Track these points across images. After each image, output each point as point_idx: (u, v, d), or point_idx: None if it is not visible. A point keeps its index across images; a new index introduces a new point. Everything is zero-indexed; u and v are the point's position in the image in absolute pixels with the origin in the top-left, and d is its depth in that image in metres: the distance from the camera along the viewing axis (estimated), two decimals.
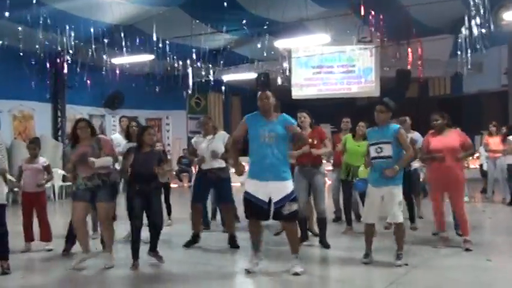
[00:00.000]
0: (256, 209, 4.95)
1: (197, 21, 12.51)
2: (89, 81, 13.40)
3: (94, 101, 15.19)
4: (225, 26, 13.28)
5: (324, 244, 6.13)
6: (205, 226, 7.23)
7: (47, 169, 6.41)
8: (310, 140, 5.93)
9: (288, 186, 4.93)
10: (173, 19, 12.04)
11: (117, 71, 13.71)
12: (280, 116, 5.02)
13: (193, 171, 11.83)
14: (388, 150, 5.21)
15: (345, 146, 7.07)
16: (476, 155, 11.60)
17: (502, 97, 14.86)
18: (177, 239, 6.61)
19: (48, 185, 8.17)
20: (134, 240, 5.36)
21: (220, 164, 6.34)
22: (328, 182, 9.82)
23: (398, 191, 5.25)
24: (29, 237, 6.28)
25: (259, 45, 13.91)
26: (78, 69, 12.93)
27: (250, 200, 4.97)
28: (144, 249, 5.49)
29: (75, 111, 14.33)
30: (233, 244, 6.25)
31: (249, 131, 5.05)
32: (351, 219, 7.18)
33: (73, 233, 5.74)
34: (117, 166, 5.94)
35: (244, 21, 12.83)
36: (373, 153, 5.29)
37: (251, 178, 5.00)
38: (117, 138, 7.88)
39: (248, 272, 5.03)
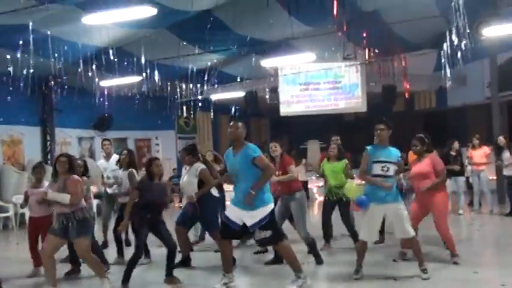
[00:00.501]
0: (229, 230, 5.11)
1: (184, 42, 12.64)
2: (77, 104, 13.45)
3: (83, 123, 15.22)
4: (211, 46, 13.43)
5: (318, 260, 6.26)
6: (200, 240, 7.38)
7: None
8: (277, 172, 6.05)
9: (258, 214, 4.98)
10: (160, 41, 12.17)
11: (106, 93, 13.79)
12: (244, 150, 5.07)
13: None
14: (392, 170, 5.41)
15: (323, 170, 7.19)
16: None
17: (485, 109, 15.13)
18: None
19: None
20: (132, 265, 5.46)
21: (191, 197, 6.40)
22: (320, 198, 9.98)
23: (402, 207, 5.40)
24: (37, 262, 6.28)
25: (246, 64, 14.09)
26: (66, 93, 12.99)
27: (224, 222, 5.16)
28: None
29: (64, 135, 14.36)
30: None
31: (227, 165, 5.36)
32: (329, 235, 7.25)
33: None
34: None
35: (230, 41, 13.01)
36: (378, 171, 5.40)
37: (232, 204, 5.21)
38: (102, 164, 8.01)
39: None
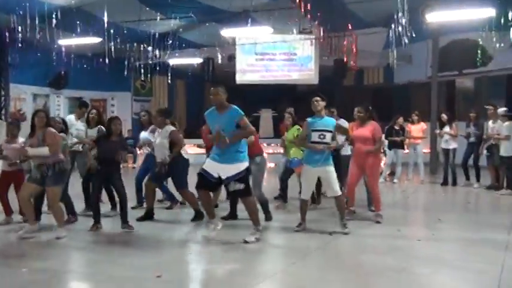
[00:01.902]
0: (205, 181, 5.71)
1: (147, 8, 12.85)
2: (34, 61, 13.50)
3: (39, 80, 15.24)
4: (172, 12, 13.69)
5: (268, 217, 6.93)
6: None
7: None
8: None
9: (236, 167, 5.62)
10: (122, 3, 12.35)
11: (63, 52, 13.84)
12: (230, 111, 5.64)
13: (138, 152, 12.24)
14: (328, 138, 6.15)
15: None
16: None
17: (428, 88, 16.17)
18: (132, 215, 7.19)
19: None
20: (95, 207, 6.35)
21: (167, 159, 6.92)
22: (271, 164, 10.70)
23: (333, 169, 6.17)
24: (8, 211, 6.78)
25: (205, 32, 14.43)
26: (23, 49, 12.98)
27: (201, 174, 5.73)
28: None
29: (19, 91, 14.38)
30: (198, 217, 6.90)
31: (209, 125, 5.84)
32: (286, 196, 8.03)
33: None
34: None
35: (191, 9, 13.32)
36: (315, 139, 6.12)
37: (210, 159, 5.76)
38: (71, 119, 8.36)
39: (206, 238, 5.76)
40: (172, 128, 7.09)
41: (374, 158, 6.91)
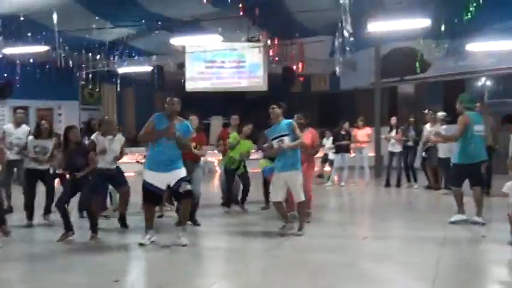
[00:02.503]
0: (154, 196, 5.93)
1: (96, 17, 12.81)
2: None
3: None
4: (121, 21, 13.70)
5: (194, 222, 7.09)
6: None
7: None
8: (193, 144, 6.93)
9: (181, 173, 5.92)
10: (70, 12, 12.25)
11: (8, 61, 13.58)
12: (184, 124, 5.97)
13: None
14: (287, 140, 6.32)
15: (237, 142, 8.12)
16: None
17: (372, 94, 16.88)
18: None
19: None
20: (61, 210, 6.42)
21: (114, 164, 7.22)
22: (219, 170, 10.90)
23: (298, 175, 6.37)
24: None
25: (154, 40, 14.49)
26: None
27: (149, 189, 5.89)
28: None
29: None
30: (123, 224, 7.08)
31: (156, 127, 5.90)
32: (230, 201, 8.30)
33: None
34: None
35: (140, 17, 13.37)
36: (276, 146, 6.34)
37: (152, 171, 5.89)
38: (9, 128, 8.34)
39: (142, 245, 5.89)
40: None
41: (310, 162, 7.26)
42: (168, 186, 5.90)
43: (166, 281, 4.66)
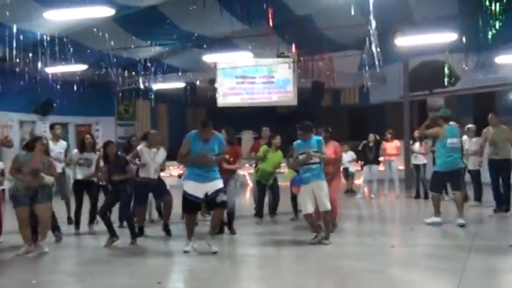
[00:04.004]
0: (192, 204, 6.26)
1: (133, 37, 13.39)
2: (20, 89, 13.87)
3: (25, 107, 15.59)
4: (156, 39, 14.25)
5: (232, 231, 7.47)
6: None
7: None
8: (227, 156, 7.23)
9: (218, 183, 6.28)
10: (108, 32, 12.84)
11: (49, 79, 14.24)
12: (217, 138, 6.32)
13: None
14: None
15: (265, 155, 8.40)
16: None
17: (401, 107, 17.00)
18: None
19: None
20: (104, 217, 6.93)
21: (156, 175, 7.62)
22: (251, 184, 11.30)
23: (323, 184, 6.64)
24: None
25: (187, 57, 14.98)
26: (10, 77, 13.38)
27: (188, 199, 6.23)
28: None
29: (6, 118, 14.71)
30: (167, 232, 7.46)
31: (190, 147, 6.26)
32: (262, 212, 8.62)
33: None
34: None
35: (174, 36, 13.90)
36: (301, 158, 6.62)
37: (192, 181, 6.24)
38: (49, 144, 8.84)
39: (186, 252, 6.23)
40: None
41: (336, 174, 7.55)
42: (206, 195, 6.24)
43: (203, 283, 4.98)
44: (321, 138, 6.86)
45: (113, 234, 6.77)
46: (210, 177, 6.22)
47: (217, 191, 6.22)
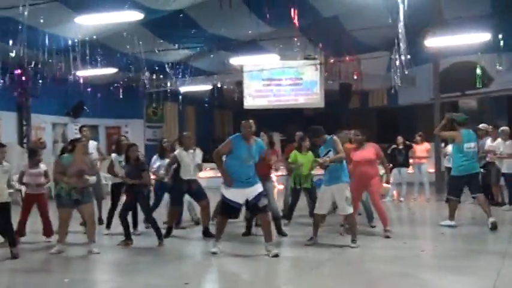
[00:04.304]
0: (231, 209, 6.26)
1: (161, 40, 13.53)
2: (53, 92, 14.19)
3: (58, 110, 15.94)
4: (183, 43, 14.38)
5: (282, 233, 7.44)
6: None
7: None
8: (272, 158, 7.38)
9: (258, 187, 6.27)
10: (136, 36, 13.01)
11: (80, 82, 14.52)
12: (259, 142, 6.35)
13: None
14: (331, 155, 6.53)
15: (295, 161, 8.33)
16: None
17: (431, 109, 16.70)
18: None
19: None
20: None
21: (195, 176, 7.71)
22: (280, 186, 11.24)
23: (345, 187, 6.55)
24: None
25: (214, 60, 15.07)
26: (43, 81, 13.71)
27: (228, 204, 6.24)
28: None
29: (40, 120, 15.06)
30: (208, 235, 7.40)
31: (233, 150, 6.23)
32: (291, 215, 8.49)
33: None
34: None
35: (201, 38, 14.00)
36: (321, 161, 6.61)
37: (233, 188, 6.20)
38: None
39: (214, 253, 6.22)
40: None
41: (376, 176, 7.45)
42: (246, 200, 6.24)
43: (231, 284, 4.97)
44: (331, 136, 6.74)
45: (128, 238, 6.86)
46: (250, 182, 6.20)
47: (259, 196, 6.20)
